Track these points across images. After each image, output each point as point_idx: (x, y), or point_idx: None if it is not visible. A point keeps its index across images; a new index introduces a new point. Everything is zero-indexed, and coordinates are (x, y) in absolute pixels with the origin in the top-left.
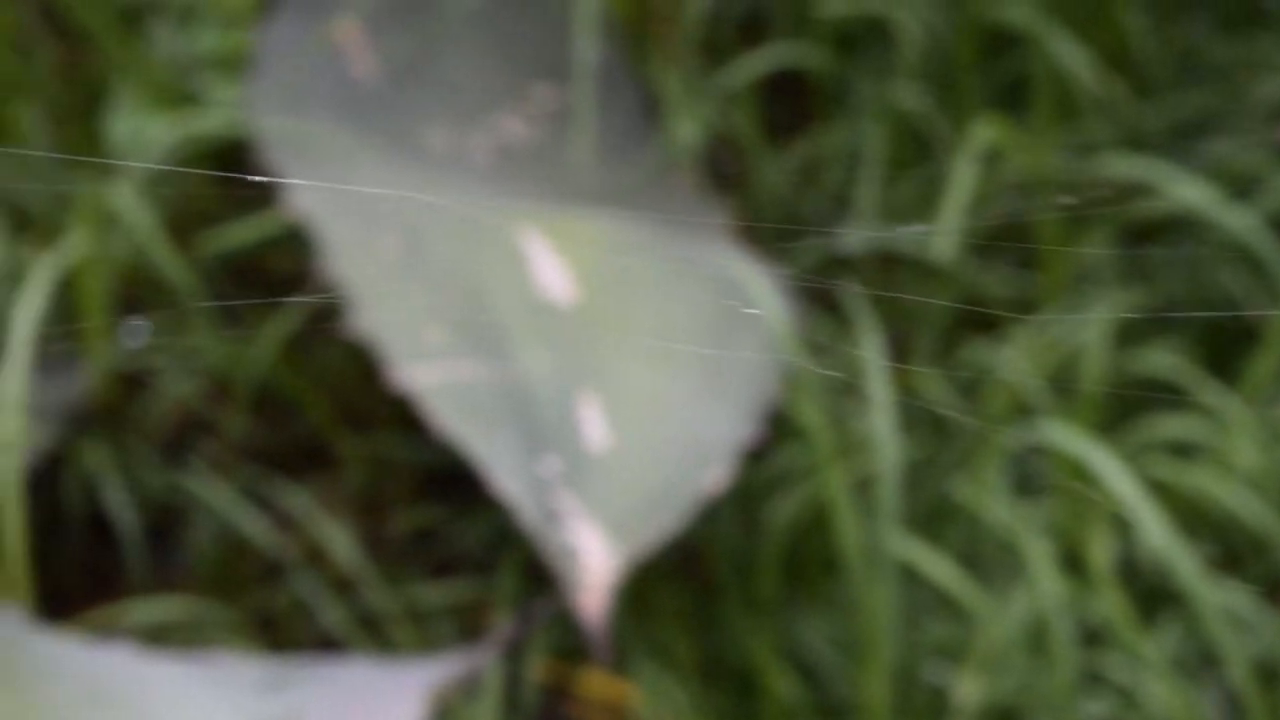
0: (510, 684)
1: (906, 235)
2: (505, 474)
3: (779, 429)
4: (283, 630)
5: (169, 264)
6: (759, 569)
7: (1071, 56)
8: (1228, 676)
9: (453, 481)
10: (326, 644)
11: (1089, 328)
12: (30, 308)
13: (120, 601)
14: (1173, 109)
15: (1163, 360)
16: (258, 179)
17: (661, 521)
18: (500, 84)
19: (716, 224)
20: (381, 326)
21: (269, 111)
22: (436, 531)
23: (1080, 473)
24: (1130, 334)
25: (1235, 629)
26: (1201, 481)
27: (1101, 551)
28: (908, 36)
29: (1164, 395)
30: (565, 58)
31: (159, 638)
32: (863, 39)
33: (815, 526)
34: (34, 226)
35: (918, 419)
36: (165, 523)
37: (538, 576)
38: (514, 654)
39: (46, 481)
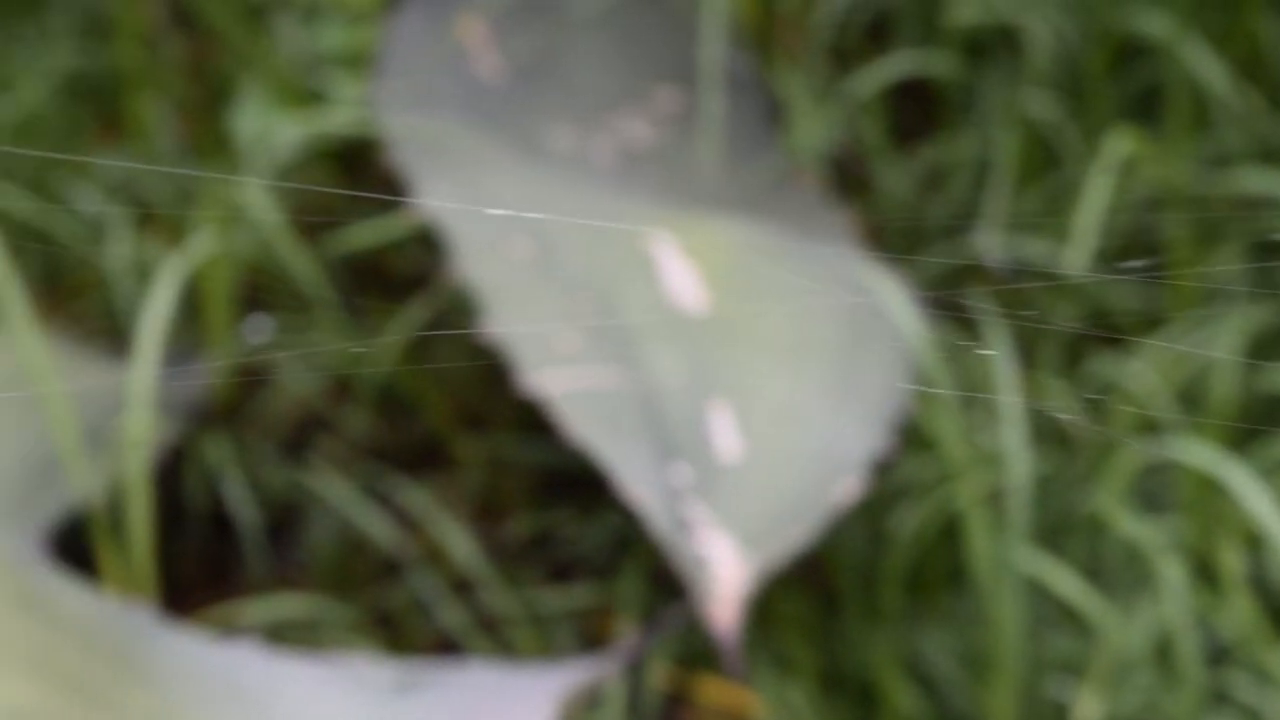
0: (631, 691)
1: (1036, 246)
2: (638, 482)
3: (904, 439)
4: (400, 629)
5: (297, 262)
6: (882, 580)
7: (1206, 67)
8: None
9: (569, 485)
10: (444, 645)
11: (1218, 342)
12: (159, 306)
13: (238, 598)
14: None
15: None
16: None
17: (793, 533)
18: (623, 85)
19: (842, 231)
20: (513, 331)
21: (394, 110)
22: (553, 535)
23: (1210, 488)
24: (1261, 350)
25: None
26: None
27: (1233, 566)
28: (1038, 44)
29: None
30: (689, 60)
31: (277, 635)
32: (992, 46)
33: (941, 539)
34: (157, 220)
35: (1042, 431)
36: (284, 519)
37: (662, 584)
38: (634, 660)
39: (168, 476)
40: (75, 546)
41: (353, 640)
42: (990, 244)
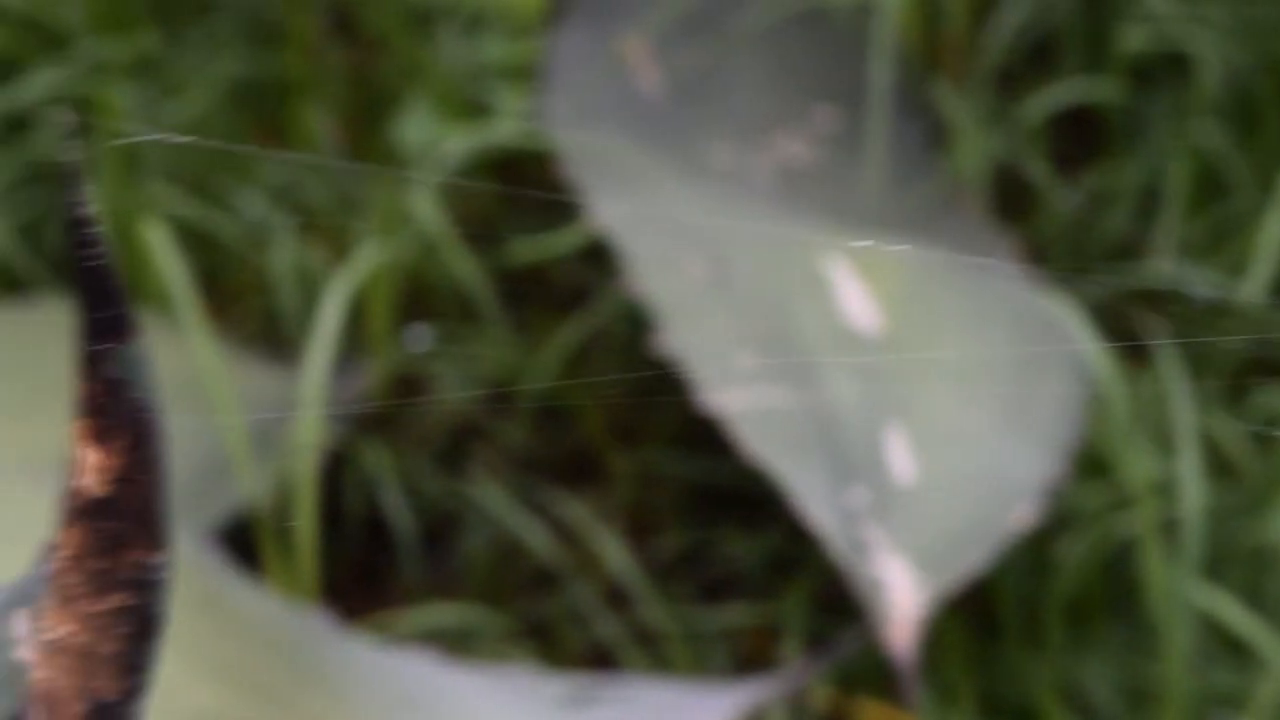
0: (792, 713)
1: (1205, 275)
2: (816, 503)
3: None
4: (553, 640)
5: (464, 271)
6: (1045, 607)
7: None
8: None
9: (721, 503)
10: (597, 657)
11: None
12: (330, 314)
13: (392, 606)
14: None
15: None
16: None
17: (968, 558)
18: (782, 104)
19: (1007, 255)
20: (689, 347)
21: (559, 124)
22: (705, 552)
23: None
24: None
25: None
26: None
27: None
28: (1207, 71)
29: None
30: (849, 80)
31: (430, 644)
32: (1159, 72)
33: (1105, 567)
34: (318, 226)
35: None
36: (438, 528)
37: (826, 606)
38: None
39: (327, 482)
40: (234, 549)
41: (506, 650)
42: (1159, 271)
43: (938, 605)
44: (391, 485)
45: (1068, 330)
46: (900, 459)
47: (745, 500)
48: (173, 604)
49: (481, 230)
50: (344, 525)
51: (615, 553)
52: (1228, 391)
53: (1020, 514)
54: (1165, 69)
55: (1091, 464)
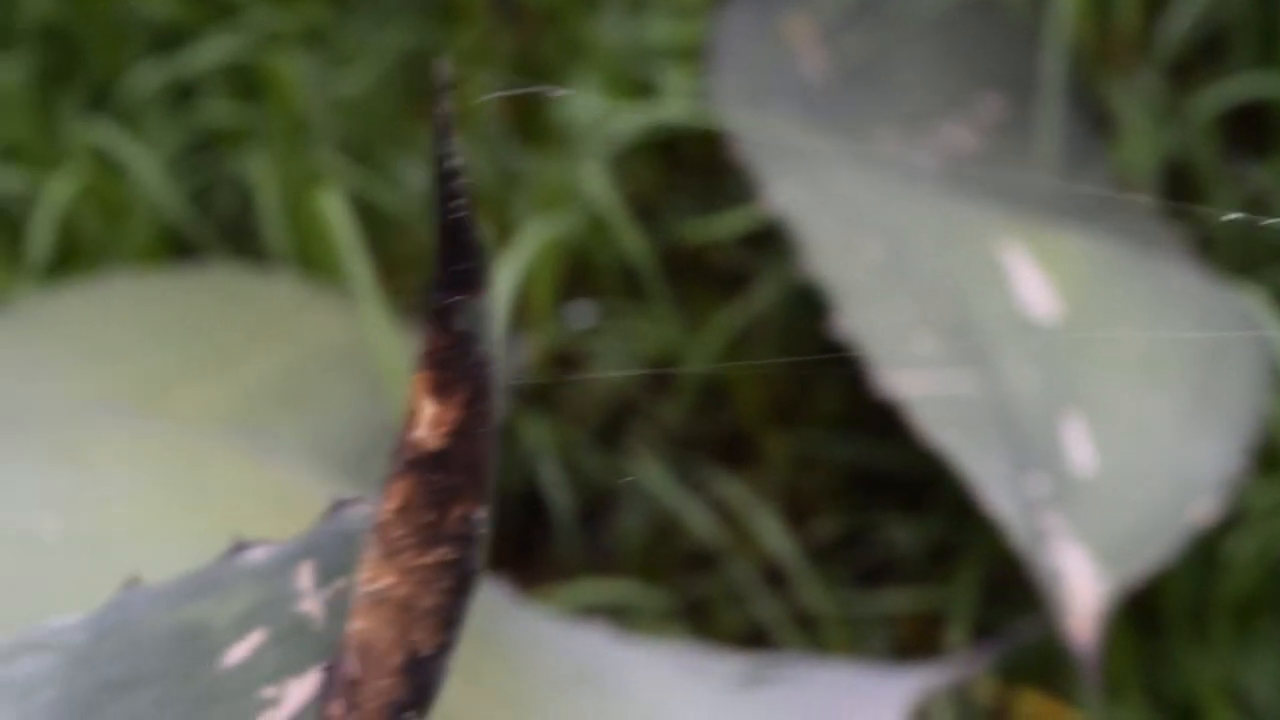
0: (956, 702)
1: None
2: (997, 491)
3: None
4: (709, 619)
5: (634, 249)
6: (1212, 604)
7: None
8: None
9: (878, 486)
10: (753, 637)
11: None
12: (495, 293)
13: (548, 581)
14: None
15: None
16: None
17: (1148, 551)
18: (948, 91)
19: (1178, 247)
20: (866, 329)
21: (727, 104)
22: (862, 536)
23: None
24: None
25: None
26: None
27: None
28: None
29: None
30: (1016, 69)
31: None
32: None
33: (1275, 565)
34: (484, 201)
35: None
36: (595, 504)
37: (990, 596)
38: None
39: None
40: None
41: (662, 628)
42: None
43: (1117, 598)
44: (550, 460)
45: (1252, 320)
46: (1080, 448)
47: (905, 485)
48: None
49: (646, 209)
50: (502, 500)
51: (773, 533)
52: None
53: (1200, 508)
54: None
55: (1267, 459)
